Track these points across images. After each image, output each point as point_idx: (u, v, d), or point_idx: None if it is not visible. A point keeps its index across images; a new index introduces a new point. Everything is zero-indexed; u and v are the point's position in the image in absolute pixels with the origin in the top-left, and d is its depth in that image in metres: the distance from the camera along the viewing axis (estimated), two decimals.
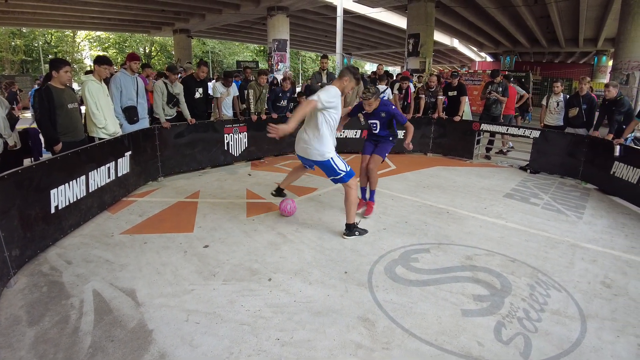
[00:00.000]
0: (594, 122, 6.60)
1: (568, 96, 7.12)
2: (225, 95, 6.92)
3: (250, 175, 6.43)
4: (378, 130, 4.71)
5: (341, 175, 3.92)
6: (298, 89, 11.26)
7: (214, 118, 7.04)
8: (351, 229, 4.03)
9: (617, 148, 5.70)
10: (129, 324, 2.59)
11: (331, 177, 4.01)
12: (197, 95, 6.55)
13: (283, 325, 2.62)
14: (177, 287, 3.04)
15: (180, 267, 3.35)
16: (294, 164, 7.08)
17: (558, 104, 7.17)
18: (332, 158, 3.88)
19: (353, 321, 2.69)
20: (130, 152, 5.12)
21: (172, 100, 6.12)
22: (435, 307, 2.91)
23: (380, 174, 6.60)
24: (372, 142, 4.87)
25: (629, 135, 5.91)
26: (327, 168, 3.93)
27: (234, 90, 7.07)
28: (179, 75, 7.36)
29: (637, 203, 5.34)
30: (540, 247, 4.03)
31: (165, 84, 6.04)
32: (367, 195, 4.88)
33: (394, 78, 10.31)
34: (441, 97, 8.21)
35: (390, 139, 4.80)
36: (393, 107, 4.64)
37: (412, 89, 8.63)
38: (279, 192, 4.73)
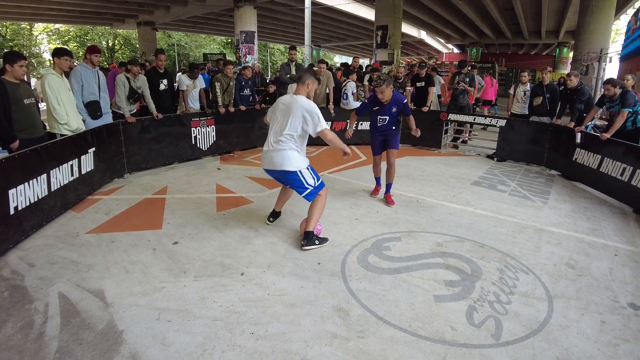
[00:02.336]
0: (557, 111, 6.83)
1: (533, 85, 7.34)
2: (191, 88, 6.76)
3: (219, 169, 6.32)
4: (386, 123, 4.79)
5: (309, 190, 3.57)
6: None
7: (181, 111, 6.87)
8: (310, 238, 3.59)
9: (578, 135, 5.91)
10: (97, 325, 2.50)
11: (301, 193, 3.64)
12: (162, 87, 6.37)
13: (257, 319, 2.59)
14: (147, 285, 2.96)
15: (150, 265, 3.26)
16: None
17: (525, 93, 7.38)
18: (300, 171, 3.57)
19: (327, 311, 2.69)
20: (93, 149, 4.94)
21: (133, 95, 5.92)
22: (408, 294, 2.94)
23: (351, 165, 6.66)
24: (379, 138, 4.92)
25: (589, 122, 6.14)
26: (294, 180, 3.59)
27: (200, 82, 6.91)
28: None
29: (598, 187, 5.56)
30: (508, 232, 4.14)
31: (127, 77, 5.84)
32: (382, 187, 5.19)
33: (363, 70, 10.34)
34: (409, 88, 8.29)
35: (394, 127, 4.88)
36: (404, 100, 4.75)
37: None
38: (275, 215, 4.19)
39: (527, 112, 7.33)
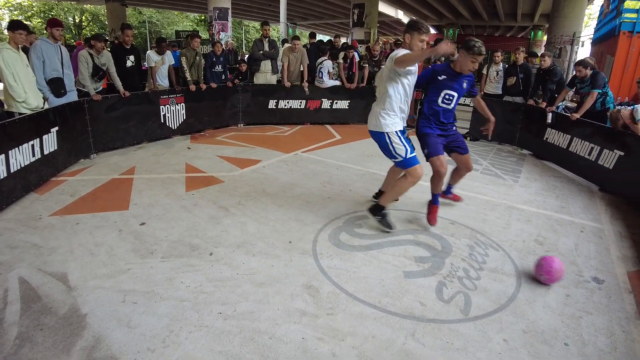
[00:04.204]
0: (530, 91, 6.90)
1: (507, 66, 7.38)
2: (159, 64, 6.51)
3: (189, 148, 6.17)
4: (451, 108, 3.60)
5: (398, 159, 3.36)
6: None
7: (149, 89, 6.64)
8: (375, 211, 3.52)
9: (550, 115, 6.00)
10: (60, 310, 2.41)
11: (392, 160, 3.49)
12: (129, 63, 6.11)
13: (225, 298, 2.55)
14: (113, 267, 2.87)
15: (116, 246, 3.17)
16: (237, 136, 6.91)
17: (498, 73, 7.40)
18: (388, 134, 3.31)
19: (297, 289, 2.67)
20: (57, 128, 4.72)
21: (97, 72, 5.66)
22: (379, 270, 2.95)
23: (325, 144, 6.62)
24: (439, 134, 3.62)
25: (560, 103, 6.23)
26: (381, 146, 3.42)
27: (169, 58, 6.66)
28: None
29: (567, 167, 5.68)
30: (479, 209, 4.20)
31: (91, 54, 5.58)
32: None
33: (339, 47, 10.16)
34: None
35: (454, 125, 3.83)
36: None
37: (357, 58, 8.57)
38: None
39: (500, 92, 7.38)
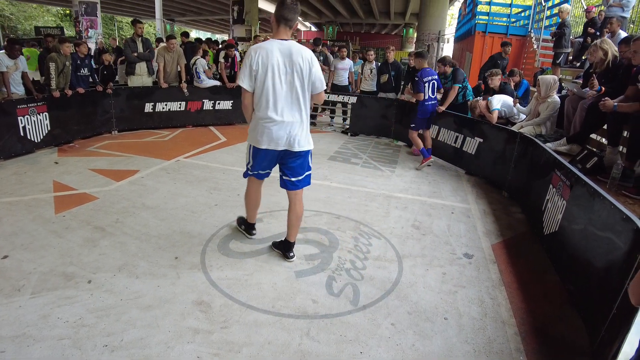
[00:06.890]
0: (401, 87, 7.51)
1: (379, 64, 7.89)
2: (12, 70, 5.69)
3: (57, 163, 5.48)
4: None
5: (308, 173, 3.07)
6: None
7: (1, 98, 5.78)
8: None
9: None
10: None
11: (298, 178, 3.00)
12: None
13: (110, 328, 2.35)
14: None
15: None
16: (112, 145, 6.39)
17: (372, 71, 7.88)
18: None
19: (188, 307, 2.57)
20: None
21: None
22: (270, 274, 2.97)
23: (209, 148, 6.46)
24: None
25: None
26: (303, 164, 2.99)
27: (23, 63, 5.84)
28: None
29: (436, 154, 6.28)
30: (360, 201, 4.46)
31: None
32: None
33: (219, 46, 9.93)
34: None
35: None
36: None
37: (239, 58, 8.46)
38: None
39: (375, 89, 7.87)
